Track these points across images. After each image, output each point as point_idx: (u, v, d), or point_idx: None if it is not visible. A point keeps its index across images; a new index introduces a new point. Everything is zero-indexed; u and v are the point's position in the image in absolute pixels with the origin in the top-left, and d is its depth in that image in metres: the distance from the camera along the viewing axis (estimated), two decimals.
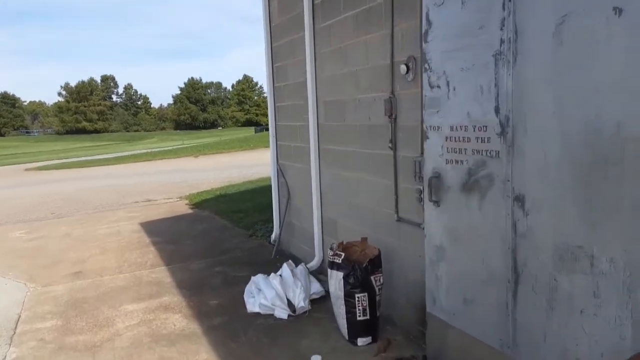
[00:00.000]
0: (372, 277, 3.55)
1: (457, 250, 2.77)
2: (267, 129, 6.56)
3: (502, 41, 2.34)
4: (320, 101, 4.67)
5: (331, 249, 3.67)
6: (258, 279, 4.58)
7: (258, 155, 21.01)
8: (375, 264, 3.58)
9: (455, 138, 2.70)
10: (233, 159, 21.52)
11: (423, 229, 3.25)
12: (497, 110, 2.41)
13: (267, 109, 6.11)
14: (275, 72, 5.71)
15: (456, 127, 2.69)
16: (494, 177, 2.46)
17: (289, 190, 5.61)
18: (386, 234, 3.78)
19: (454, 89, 2.68)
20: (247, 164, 17.92)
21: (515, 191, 2.35)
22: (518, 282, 2.39)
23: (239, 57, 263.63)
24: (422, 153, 3.16)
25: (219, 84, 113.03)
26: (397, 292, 3.71)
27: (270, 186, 6.23)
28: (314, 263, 4.91)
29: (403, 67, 3.30)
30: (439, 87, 2.79)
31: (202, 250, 6.40)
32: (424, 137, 2.96)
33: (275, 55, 5.65)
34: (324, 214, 4.81)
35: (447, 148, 2.77)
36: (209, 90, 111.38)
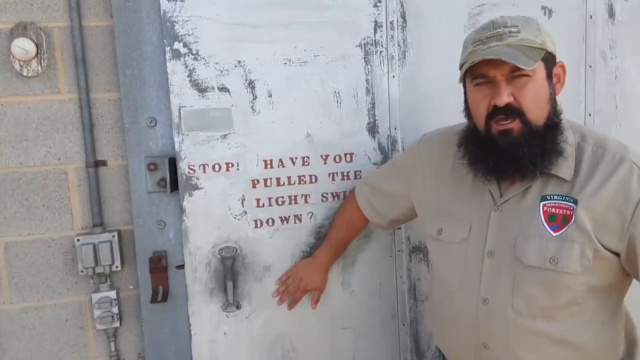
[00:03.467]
0: None
1: None
2: None
3: (377, 25, 1.55)
4: None
5: None
6: None
7: None
8: None
9: (276, 181, 1.54)
10: None
11: None
12: (372, 129, 1.58)
13: None
14: None
15: (278, 162, 1.53)
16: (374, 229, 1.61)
17: None
18: None
19: (269, 95, 1.51)
20: None
21: (412, 241, 1.66)
22: None
23: None
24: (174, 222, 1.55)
25: None
26: None
27: None
28: None
29: (25, 46, 1.46)
30: (225, 90, 1.48)
31: None
32: (183, 186, 1.48)
33: None
34: None
35: (257, 201, 1.54)
36: None
